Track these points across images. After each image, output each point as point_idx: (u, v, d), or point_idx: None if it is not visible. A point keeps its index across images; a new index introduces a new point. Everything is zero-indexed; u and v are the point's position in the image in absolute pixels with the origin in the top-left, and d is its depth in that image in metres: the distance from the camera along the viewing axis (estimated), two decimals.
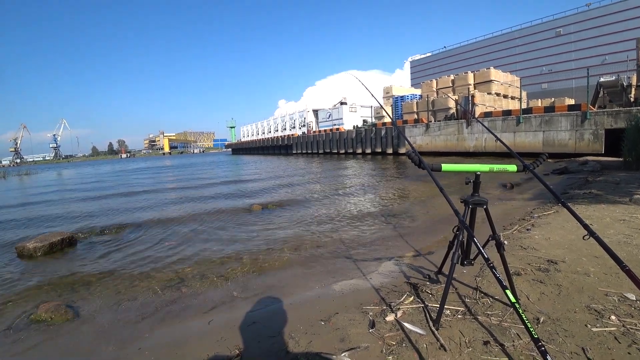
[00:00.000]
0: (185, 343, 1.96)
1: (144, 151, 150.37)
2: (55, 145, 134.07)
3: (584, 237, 1.39)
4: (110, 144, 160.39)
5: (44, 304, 2.55)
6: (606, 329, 1.63)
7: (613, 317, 1.72)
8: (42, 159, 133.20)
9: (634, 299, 1.88)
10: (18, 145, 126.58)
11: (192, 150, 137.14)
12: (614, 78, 17.15)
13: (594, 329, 1.63)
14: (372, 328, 1.82)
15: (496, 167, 1.78)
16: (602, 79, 17.65)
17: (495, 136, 2.22)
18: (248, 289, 2.72)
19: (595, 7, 39.64)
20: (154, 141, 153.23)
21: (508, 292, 1.11)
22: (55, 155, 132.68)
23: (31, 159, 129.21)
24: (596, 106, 16.17)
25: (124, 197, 9.30)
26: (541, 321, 1.74)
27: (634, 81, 15.75)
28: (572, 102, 22.17)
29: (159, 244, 4.26)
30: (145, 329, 2.20)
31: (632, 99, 15.24)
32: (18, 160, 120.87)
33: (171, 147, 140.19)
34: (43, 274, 3.37)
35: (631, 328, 1.62)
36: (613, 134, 11.23)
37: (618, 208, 4.01)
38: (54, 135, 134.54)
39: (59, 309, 2.44)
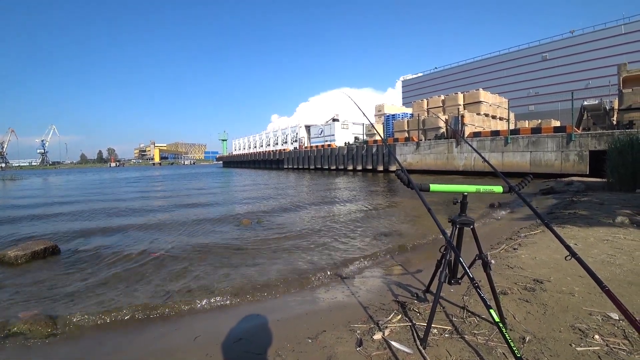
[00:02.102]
0: (170, 358, 1.91)
1: (134, 161, 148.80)
2: (43, 150, 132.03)
3: (566, 257, 1.42)
4: (100, 152, 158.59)
5: (24, 313, 2.46)
6: (590, 348, 1.65)
7: (597, 337, 1.74)
8: (28, 164, 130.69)
9: (617, 318, 1.91)
10: (4, 149, 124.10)
11: (182, 162, 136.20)
12: (597, 102, 17.78)
13: (579, 349, 1.65)
14: (359, 346, 1.81)
15: (483, 188, 1.82)
16: (585, 103, 18.28)
17: (482, 157, 2.27)
18: (235, 305, 2.68)
19: (578, 34, 41.41)
20: (145, 151, 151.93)
21: (492, 311, 1.12)
22: (42, 161, 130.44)
23: (17, 164, 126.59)
24: (581, 128, 16.68)
25: (109, 207, 9.13)
26: (527, 340, 1.76)
27: (615, 105, 16.36)
28: (558, 124, 22.82)
29: (144, 255, 4.18)
30: (128, 343, 2.15)
31: (614, 122, 15.79)
32: (3, 165, 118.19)
33: (162, 158, 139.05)
34: (24, 283, 3.27)
35: (614, 347, 1.64)
36: (597, 156, 11.58)
37: (602, 228, 4.10)
38: (43, 140, 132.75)
39: (39, 320, 2.35)
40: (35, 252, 3.98)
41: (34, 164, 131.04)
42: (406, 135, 21.22)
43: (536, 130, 14.84)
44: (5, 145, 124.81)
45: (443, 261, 1.85)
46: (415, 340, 1.82)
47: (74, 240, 5.04)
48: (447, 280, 1.89)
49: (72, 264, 3.89)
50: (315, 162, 29.49)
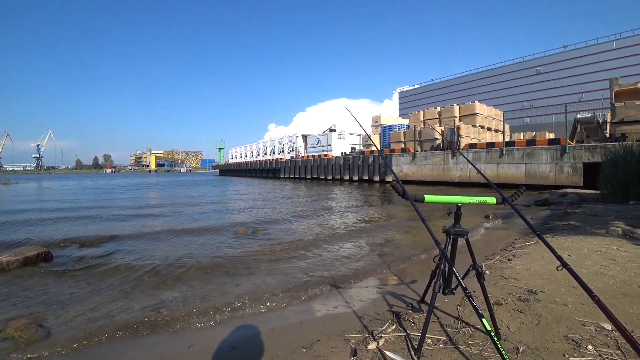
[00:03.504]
0: None
1: (130, 167, 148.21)
2: (38, 155, 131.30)
3: (557, 267, 1.44)
4: (96, 158, 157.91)
5: (13, 321, 2.43)
6: (583, 358, 1.66)
7: (590, 347, 1.75)
8: (22, 168, 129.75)
9: (610, 328, 1.92)
10: None
11: (179, 169, 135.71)
12: (590, 115, 18.09)
13: (572, 359, 1.66)
14: (353, 356, 1.80)
15: (476, 199, 1.85)
16: (579, 116, 18.60)
17: (477, 169, 2.30)
18: (229, 313, 2.66)
19: (571, 49, 42.23)
20: (141, 158, 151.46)
21: (484, 320, 1.13)
22: (36, 166, 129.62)
23: (11, 168, 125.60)
24: (574, 141, 16.91)
25: (104, 213, 9.06)
26: (521, 351, 1.76)
27: (608, 118, 16.62)
28: (552, 136, 23.11)
29: (139, 264, 4.14)
30: (121, 351, 2.12)
31: (607, 135, 16.02)
32: None
33: (158, 165, 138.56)
34: (15, 289, 3.22)
35: (607, 358, 1.65)
36: (591, 168, 11.72)
37: (595, 239, 4.13)
38: (38, 145, 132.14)
39: (30, 327, 2.32)
40: (28, 257, 3.93)
41: (28, 168, 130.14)
42: (402, 146, 21.37)
43: (531, 143, 15.01)
44: (0, 149, 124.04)
45: (437, 271, 1.86)
46: (409, 350, 1.82)
47: (67, 247, 4.99)
48: (441, 291, 1.90)
49: (65, 271, 3.84)
50: (312, 171, 29.52)
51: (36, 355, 2.09)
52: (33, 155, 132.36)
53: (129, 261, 4.27)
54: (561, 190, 11.49)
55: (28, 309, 2.78)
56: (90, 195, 16.67)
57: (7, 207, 11.61)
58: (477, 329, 2.04)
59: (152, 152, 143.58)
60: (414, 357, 1.74)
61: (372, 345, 1.90)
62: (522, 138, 23.63)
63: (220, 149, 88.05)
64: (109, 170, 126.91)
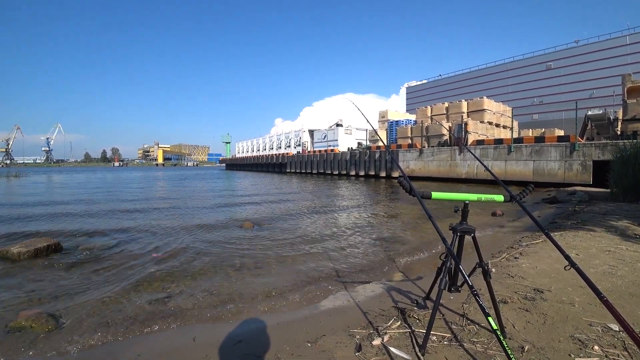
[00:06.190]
0: (170, 359, 1.92)
1: (137, 161, 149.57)
2: (47, 148, 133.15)
3: (565, 267, 1.43)
4: (104, 151, 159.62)
5: (24, 311, 2.48)
6: (589, 359, 1.65)
7: (596, 347, 1.74)
8: (32, 161, 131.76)
9: (617, 329, 1.91)
10: (10, 146, 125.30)
11: (185, 163, 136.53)
12: (601, 112, 17.77)
13: (578, 359, 1.65)
14: (358, 351, 1.81)
15: (484, 196, 1.83)
16: (590, 112, 18.28)
17: (484, 166, 2.28)
18: (234, 307, 2.69)
19: (583, 44, 41.43)
20: (148, 151, 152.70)
21: (490, 319, 1.13)
22: (46, 159, 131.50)
23: (21, 161, 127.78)
24: (584, 138, 16.65)
25: (113, 205, 9.17)
26: (526, 350, 1.76)
27: (620, 115, 16.29)
28: (561, 133, 22.74)
29: (147, 256, 4.20)
30: (128, 343, 2.16)
31: (618, 132, 15.74)
32: (8, 162, 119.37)
33: (165, 159, 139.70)
34: (25, 280, 3.29)
35: (614, 358, 1.64)
36: (601, 166, 11.54)
37: (604, 239, 4.08)
38: (48, 138, 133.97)
39: (40, 317, 2.37)
40: (38, 249, 4.01)
41: (38, 161, 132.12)
42: (409, 141, 21.24)
43: (540, 139, 14.78)
44: (11, 142, 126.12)
45: (443, 269, 1.86)
46: (414, 347, 1.82)
47: (76, 239, 5.07)
48: (447, 288, 1.90)
49: (74, 262, 3.91)
50: (318, 166, 29.53)
51: (47, 344, 2.14)
52: (43, 149, 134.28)
53: (138, 253, 4.33)
54: (570, 188, 11.35)
55: (39, 299, 2.84)
56: (100, 188, 16.86)
57: (18, 199, 11.81)
58: (482, 327, 2.04)
59: (160, 145, 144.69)
60: (419, 353, 1.74)
61: (376, 341, 1.91)
62: (530, 135, 23.30)
63: (226, 143, 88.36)
64: (117, 164, 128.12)
